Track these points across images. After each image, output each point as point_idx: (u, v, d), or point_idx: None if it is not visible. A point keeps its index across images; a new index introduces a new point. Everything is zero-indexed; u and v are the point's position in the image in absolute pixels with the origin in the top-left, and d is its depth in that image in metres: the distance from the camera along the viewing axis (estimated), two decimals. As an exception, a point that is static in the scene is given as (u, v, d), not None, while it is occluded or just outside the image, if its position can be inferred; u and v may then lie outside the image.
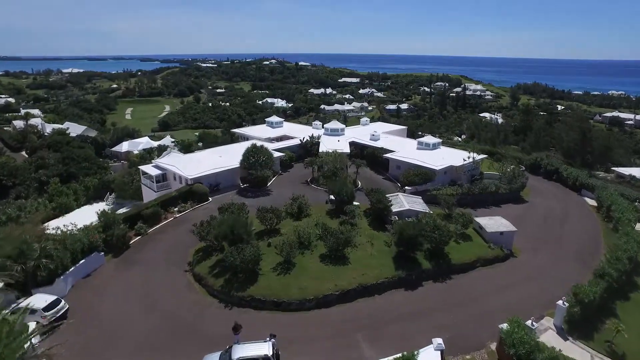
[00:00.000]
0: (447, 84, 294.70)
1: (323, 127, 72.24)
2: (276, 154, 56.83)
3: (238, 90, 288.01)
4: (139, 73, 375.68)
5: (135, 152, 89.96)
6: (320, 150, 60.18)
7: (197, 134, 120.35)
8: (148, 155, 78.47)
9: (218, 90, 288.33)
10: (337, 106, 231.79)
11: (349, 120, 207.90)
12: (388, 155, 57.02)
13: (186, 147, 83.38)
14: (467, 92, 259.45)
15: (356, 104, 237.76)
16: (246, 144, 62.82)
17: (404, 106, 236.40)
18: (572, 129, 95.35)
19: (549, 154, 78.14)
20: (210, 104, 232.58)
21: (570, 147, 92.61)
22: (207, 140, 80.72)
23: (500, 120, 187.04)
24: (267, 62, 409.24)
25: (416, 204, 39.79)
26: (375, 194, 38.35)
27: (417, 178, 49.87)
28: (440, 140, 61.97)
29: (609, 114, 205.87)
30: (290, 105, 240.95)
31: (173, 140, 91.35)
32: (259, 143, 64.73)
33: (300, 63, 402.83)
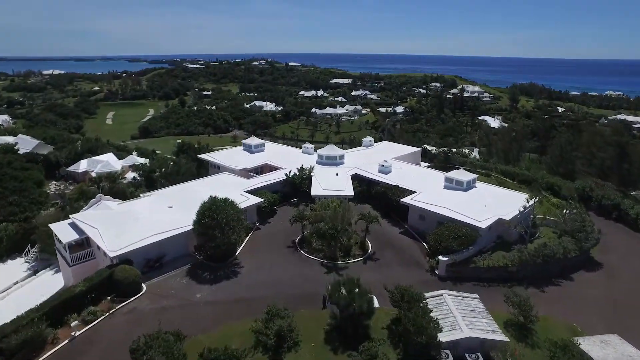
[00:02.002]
0: (442, 85, 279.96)
1: (316, 152, 56.04)
2: (251, 202, 40.43)
3: (225, 93, 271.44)
4: (124, 74, 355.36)
5: (93, 173, 71.62)
6: (313, 191, 44.27)
7: (179, 141, 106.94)
8: (96, 188, 60.95)
9: (205, 93, 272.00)
10: (329, 109, 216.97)
11: (342, 124, 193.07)
12: (407, 200, 40.88)
13: (147, 174, 66.55)
14: (464, 94, 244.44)
15: (349, 107, 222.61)
16: (211, 182, 46.53)
17: (400, 109, 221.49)
18: (608, 143, 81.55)
19: (597, 181, 62.83)
20: (195, 108, 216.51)
21: (605, 165, 78.90)
22: (171, 170, 63.76)
23: (499, 123, 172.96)
24: (257, 63, 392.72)
25: (477, 318, 23.38)
26: (411, 319, 21.24)
27: (455, 243, 34.03)
28: (476, 176, 45.76)
29: (614, 117, 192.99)
30: (279, 108, 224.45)
31: (131, 165, 73.50)
32: (231, 178, 48.81)
33: (290, 63, 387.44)
